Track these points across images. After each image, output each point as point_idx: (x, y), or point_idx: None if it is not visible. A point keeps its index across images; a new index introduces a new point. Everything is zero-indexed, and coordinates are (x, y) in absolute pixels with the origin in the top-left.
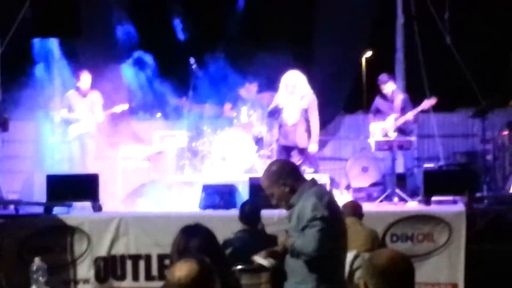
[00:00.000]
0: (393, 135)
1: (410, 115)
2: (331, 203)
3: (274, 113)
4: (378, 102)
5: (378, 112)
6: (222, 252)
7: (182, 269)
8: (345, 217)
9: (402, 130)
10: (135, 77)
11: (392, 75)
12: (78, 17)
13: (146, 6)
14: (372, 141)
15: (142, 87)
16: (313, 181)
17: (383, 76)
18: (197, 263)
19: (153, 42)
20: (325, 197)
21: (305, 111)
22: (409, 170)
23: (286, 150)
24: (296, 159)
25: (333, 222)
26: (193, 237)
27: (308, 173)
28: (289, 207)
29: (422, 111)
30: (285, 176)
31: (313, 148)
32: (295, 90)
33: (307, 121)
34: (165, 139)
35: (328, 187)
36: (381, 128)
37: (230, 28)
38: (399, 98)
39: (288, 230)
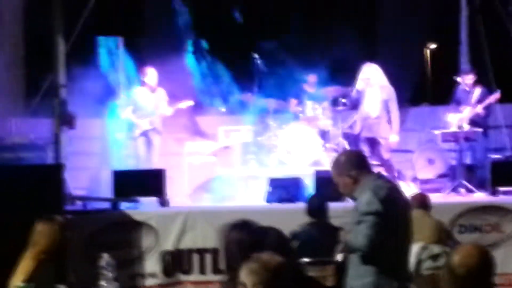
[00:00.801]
0: (467, 127)
1: (479, 108)
2: (388, 197)
3: (355, 104)
4: (459, 92)
5: (459, 103)
6: (289, 244)
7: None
8: (411, 210)
9: (475, 122)
10: (199, 73)
11: (473, 67)
12: (142, 16)
13: (209, 2)
14: (438, 133)
15: (207, 83)
16: (378, 175)
17: (466, 67)
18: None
19: (217, 37)
20: (381, 192)
21: (386, 102)
22: (477, 162)
23: (370, 142)
24: (383, 151)
25: (389, 216)
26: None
27: (374, 166)
28: (354, 200)
29: (491, 104)
30: (350, 168)
31: (394, 138)
32: (374, 83)
33: (388, 112)
34: (230, 134)
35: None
36: (458, 119)
37: (294, 22)
38: (478, 90)
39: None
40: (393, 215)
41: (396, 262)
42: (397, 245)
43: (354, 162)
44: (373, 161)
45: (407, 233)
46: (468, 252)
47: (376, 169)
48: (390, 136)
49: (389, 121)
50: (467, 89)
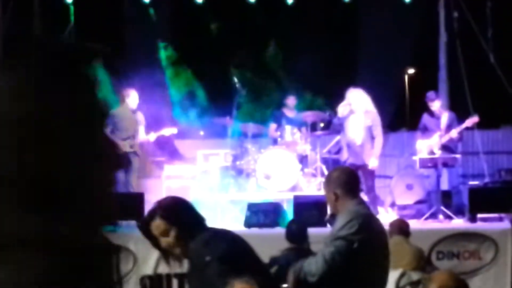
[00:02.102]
0: (438, 153)
1: (454, 133)
2: (363, 225)
3: (338, 130)
4: (425, 119)
5: (425, 129)
6: (267, 270)
7: None
8: (389, 237)
9: (447, 148)
10: (179, 96)
11: (437, 92)
12: (122, 39)
13: (189, 27)
14: (416, 159)
15: (186, 107)
16: (360, 201)
17: (431, 94)
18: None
19: (196, 61)
20: (357, 220)
21: (369, 128)
22: (454, 188)
23: (357, 169)
24: (369, 178)
25: (363, 246)
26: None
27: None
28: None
29: (466, 128)
30: (337, 185)
31: (373, 163)
32: (357, 108)
33: (373, 138)
34: (209, 158)
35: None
36: (427, 146)
37: (273, 48)
38: (445, 115)
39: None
40: (367, 243)
41: None
42: (371, 276)
43: (343, 181)
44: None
45: (384, 263)
46: (445, 280)
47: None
48: (369, 160)
49: (373, 147)
50: (435, 115)
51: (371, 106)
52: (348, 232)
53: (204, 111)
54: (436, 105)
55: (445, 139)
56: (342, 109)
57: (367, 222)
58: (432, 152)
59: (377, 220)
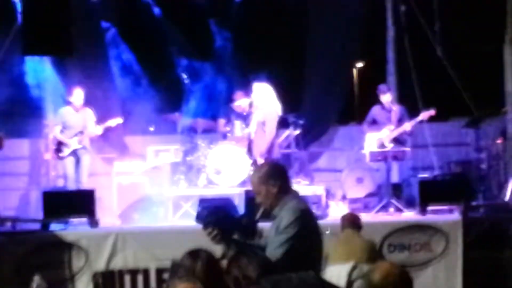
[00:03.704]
0: (389, 146)
1: (407, 126)
2: (306, 217)
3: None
4: (375, 112)
5: (374, 122)
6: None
7: None
8: (341, 230)
9: (397, 141)
10: (127, 92)
11: (389, 86)
12: (69, 35)
13: (136, 21)
14: (366, 152)
15: (134, 102)
16: (296, 193)
17: (382, 86)
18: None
19: (144, 57)
20: (300, 212)
21: (262, 124)
22: (404, 180)
23: (254, 163)
24: None
25: (304, 236)
26: (199, 260)
27: (303, 185)
28: (272, 217)
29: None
30: (275, 177)
31: (260, 161)
32: (255, 104)
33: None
34: (159, 154)
35: (323, 199)
36: (377, 139)
37: (220, 43)
38: (396, 109)
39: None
40: (309, 235)
41: None
42: (309, 265)
43: (280, 173)
44: None
45: (318, 252)
46: (387, 270)
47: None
48: (257, 158)
49: (261, 143)
50: (386, 108)
51: (271, 101)
52: (296, 223)
53: (154, 107)
54: (387, 98)
55: (397, 132)
56: (240, 102)
57: (309, 211)
58: (382, 145)
59: (310, 209)
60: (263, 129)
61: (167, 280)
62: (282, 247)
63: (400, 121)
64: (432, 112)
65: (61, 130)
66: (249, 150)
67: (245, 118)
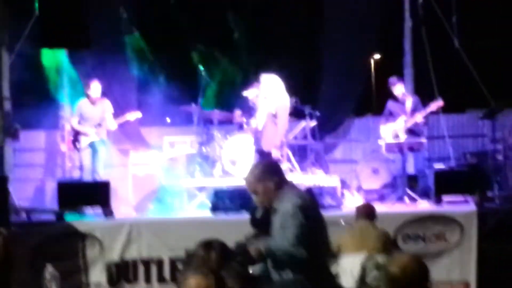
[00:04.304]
0: (403, 137)
1: (419, 117)
2: (309, 203)
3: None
4: (390, 104)
5: (390, 114)
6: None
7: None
8: (355, 221)
9: (412, 132)
10: (144, 84)
11: (401, 77)
12: (86, 28)
13: (153, 14)
14: (382, 143)
15: (151, 93)
16: (292, 185)
17: (392, 78)
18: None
19: (161, 48)
20: (303, 198)
21: (274, 116)
22: (420, 171)
23: (260, 153)
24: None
25: (307, 226)
26: (212, 251)
27: (319, 175)
28: (273, 211)
29: (432, 113)
30: (271, 173)
31: (276, 153)
32: (264, 95)
33: (277, 125)
34: (175, 145)
35: (339, 189)
36: (392, 130)
37: (237, 35)
38: (410, 100)
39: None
40: (312, 224)
41: (317, 270)
42: (317, 254)
43: (275, 169)
44: None
45: (324, 241)
46: (406, 262)
47: None
48: (272, 150)
49: (272, 134)
50: (399, 100)
51: (281, 93)
52: (299, 214)
53: (168, 98)
54: (398, 89)
55: (410, 123)
56: (248, 93)
57: (310, 201)
58: (397, 136)
59: (310, 198)
60: (274, 121)
61: (181, 270)
62: (289, 239)
63: (414, 112)
64: (440, 103)
65: (78, 121)
66: (257, 141)
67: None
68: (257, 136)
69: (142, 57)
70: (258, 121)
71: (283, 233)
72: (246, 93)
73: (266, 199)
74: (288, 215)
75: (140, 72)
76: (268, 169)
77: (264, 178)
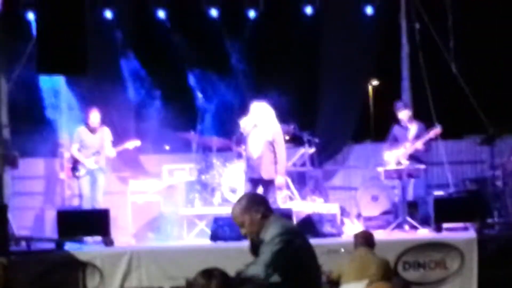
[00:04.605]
0: (405, 163)
1: (419, 144)
2: (294, 229)
3: (240, 142)
4: (395, 129)
5: (395, 140)
6: None
7: None
8: (354, 248)
9: (414, 158)
10: (142, 109)
11: (407, 103)
12: (85, 54)
13: (151, 41)
14: (381, 170)
15: (150, 120)
16: (277, 215)
17: (399, 103)
18: None
19: (157, 71)
20: (287, 224)
21: (270, 143)
22: (420, 198)
23: (255, 182)
24: (270, 193)
25: (291, 252)
26: (213, 279)
27: (318, 203)
28: (259, 242)
29: (430, 139)
30: (257, 204)
31: (280, 180)
32: (258, 123)
33: (274, 153)
34: (174, 173)
35: (338, 216)
36: (395, 156)
37: (236, 61)
38: (414, 126)
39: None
40: (296, 248)
41: None
42: (308, 276)
43: (260, 200)
44: None
45: (309, 269)
46: None
47: None
48: (276, 177)
49: (275, 162)
50: (403, 125)
51: (274, 120)
52: (280, 238)
53: (167, 124)
54: (403, 115)
55: (410, 149)
56: (244, 123)
57: (295, 228)
58: (399, 163)
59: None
60: (271, 148)
61: None
62: (265, 261)
63: (417, 138)
64: (437, 130)
65: (78, 149)
66: (251, 170)
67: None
68: (251, 164)
69: (138, 80)
70: (252, 149)
71: (258, 259)
72: (242, 123)
73: (253, 230)
74: (266, 242)
75: (137, 96)
76: (254, 201)
77: (250, 209)
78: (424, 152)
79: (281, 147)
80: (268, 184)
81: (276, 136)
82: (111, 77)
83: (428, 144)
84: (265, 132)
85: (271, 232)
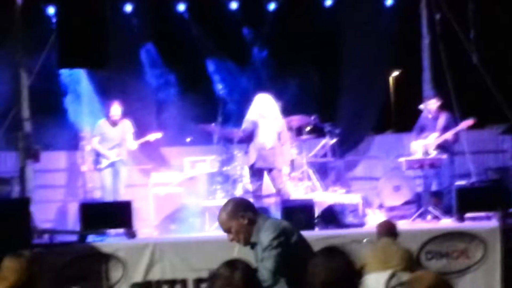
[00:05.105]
0: (433, 153)
1: (448, 135)
2: (286, 229)
3: (250, 136)
4: (423, 119)
5: (422, 129)
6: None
7: None
8: (377, 238)
9: (443, 148)
10: (163, 102)
11: (437, 93)
12: (105, 48)
13: (171, 34)
14: (403, 160)
15: (170, 113)
16: (264, 217)
17: (429, 92)
18: None
19: (181, 70)
20: (279, 225)
21: (279, 134)
22: (444, 188)
23: (260, 172)
24: (278, 181)
25: (290, 251)
26: (236, 271)
27: (340, 193)
28: (251, 246)
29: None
30: (244, 209)
31: (287, 170)
32: (267, 114)
33: (281, 143)
34: (196, 164)
35: (360, 207)
36: (423, 146)
37: (256, 52)
38: (443, 116)
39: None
40: (292, 246)
41: None
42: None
43: (246, 205)
44: (269, 191)
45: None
46: (431, 280)
47: (272, 199)
48: (283, 167)
49: (282, 153)
50: (430, 116)
51: (278, 112)
52: (275, 242)
53: (188, 116)
54: (432, 103)
55: (440, 140)
56: (252, 115)
57: (286, 225)
58: (427, 153)
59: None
60: (280, 139)
61: None
62: (270, 268)
63: (446, 129)
64: (471, 121)
65: (99, 142)
66: (262, 159)
67: None
68: (263, 154)
69: (158, 72)
70: (264, 139)
71: (262, 265)
72: (251, 115)
73: (241, 235)
74: (264, 247)
75: (157, 88)
76: (240, 205)
77: (237, 214)
78: (453, 143)
79: (287, 138)
80: (276, 172)
81: (283, 127)
82: (131, 69)
83: (456, 134)
84: (275, 123)
85: (266, 236)
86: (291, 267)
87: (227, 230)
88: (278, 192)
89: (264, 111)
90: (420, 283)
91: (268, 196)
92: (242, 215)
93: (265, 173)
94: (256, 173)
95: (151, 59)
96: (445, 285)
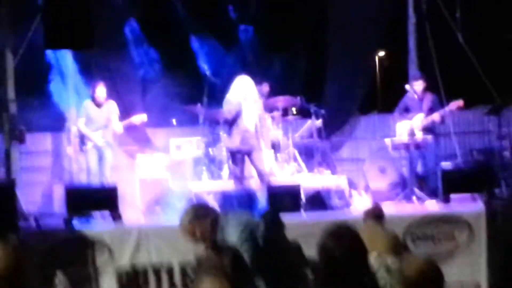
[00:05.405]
0: (419, 134)
1: (436, 116)
2: (250, 232)
3: (235, 118)
4: (407, 99)
5: (406, 110)
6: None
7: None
8: (364, 222)
9: (429, 129)
10: (149, 83)
11: (422, 74)
12: (90, 29)
13: (159, 16)
14: (388, 141)
15: (157, 93)
16: (225, 213)
17: (415, 73)
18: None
19: (166, 51)
20: (243, 233)
21: (259, 116)
22: (429, 170)
23: (248, 154)
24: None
25: (261, 247)
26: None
27: (325, 175)
28: (219, 248)
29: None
30: (204, 211)
31: (268, 152)
32: (249, 96)
33: (261, 126)
34: (181, 146)
35: (347, 189)
36: (408, 128)
37: (241, 32)
38: (428, 97)
39: None
40: (262, 235)
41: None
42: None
43: (207, 208)
44: (251, 173)
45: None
46: (421, 266)
47: (253, 180)
48: (264, 149)
49: (262, 135)
50: (416, 96)
51: (257, 95)
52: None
53: (173, 97)
54: (419, 84)
55: (426, 121)
56: (235, 97)
57: (250, 219)
58: (412, 134)
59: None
60: (260, 121)
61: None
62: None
63: (431, 110)
64: (460, 102)
65: (85, 123)
66: (247, 142)
67: (266, 108)
68: (246, 136)
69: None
70: (248, 122)
71: None
72: (234, 97)
73: (206, 237)
74: (238, 247)
75: (141, 66)
76: (200, 208)
77: (198, 219)
78: (439, 125)
79: (269, 121)
80: (258, 154)
81: (262, 110)
82: (116, 49)
83: (443, 116)
84: (255, 106)
85: (232, 235)
86: (260, 259)
87: (192, 235)
88: (261, 175)
89: (247, 93)
90: (411, 269)
91: (252, 178)
92: (204, 218)
93: (246, 156)
94: (238, 156)
95: (135, 37)
96: (435, 271)
